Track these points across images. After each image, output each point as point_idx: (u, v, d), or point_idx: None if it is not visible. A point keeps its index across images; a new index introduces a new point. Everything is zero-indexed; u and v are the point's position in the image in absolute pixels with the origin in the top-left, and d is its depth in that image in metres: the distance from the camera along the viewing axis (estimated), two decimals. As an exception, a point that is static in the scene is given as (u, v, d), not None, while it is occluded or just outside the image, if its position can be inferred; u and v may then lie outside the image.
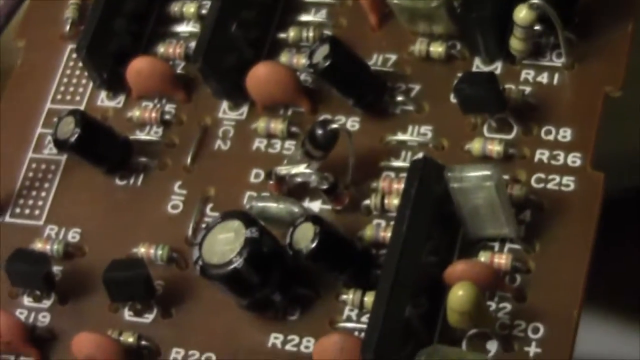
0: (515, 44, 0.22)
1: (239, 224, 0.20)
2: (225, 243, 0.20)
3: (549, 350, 0.20)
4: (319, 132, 0.21)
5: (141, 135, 0.23)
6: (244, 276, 0.20)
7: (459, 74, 0.22)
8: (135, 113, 0.23)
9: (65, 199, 0.23)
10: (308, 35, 0.23)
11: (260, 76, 0.22)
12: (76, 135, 0.22)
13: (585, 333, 0.36)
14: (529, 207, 0.21)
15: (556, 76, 0.22)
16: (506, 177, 0.21)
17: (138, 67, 0.23)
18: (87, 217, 0.23)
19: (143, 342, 0.21)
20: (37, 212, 0.23)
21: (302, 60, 0.23)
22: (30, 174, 0.24)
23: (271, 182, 0.22)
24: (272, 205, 0.21)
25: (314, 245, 0.20)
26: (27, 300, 0.23)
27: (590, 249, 0.20)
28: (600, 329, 0.47)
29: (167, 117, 0.23)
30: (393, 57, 0.23)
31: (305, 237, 0.20)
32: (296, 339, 0.21)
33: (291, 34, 0.23)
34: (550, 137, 0.21)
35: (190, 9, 0.24)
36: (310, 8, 0.24)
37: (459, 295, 0.19)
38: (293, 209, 0.21)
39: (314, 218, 0.20)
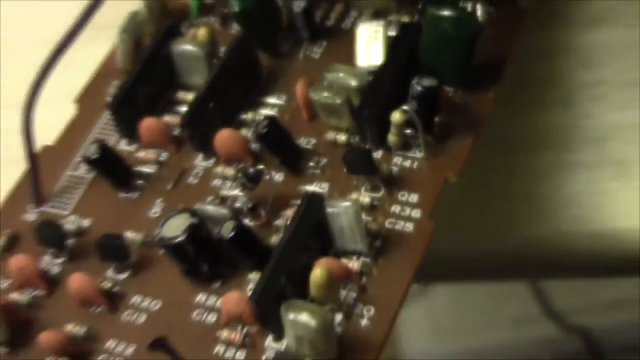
0: (391, 138, 0.26)
1: (187, 215, 0.24)
2: (176, 226, 0.24)
3: (375, 323, 0.24)
4: (250, 170, 0.26)
5: (143, 169, 0.27)
6: (183, 248, 0.24)
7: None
8: (141, 154, 0.27)
9: (86, 201, 0.27)
10: (260, 118, 0.27)
11: (222, 139, 0.26)
12: (96, 156, 0.26)
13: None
14: (379, 238, 0.25)
15: (416, 163, 0.26)
16: (369, 218, 0.25)
17: (148, 125, 0.27)
18: (98, 213, 0.27)
19: (115, 288, 0.26)
20: (68, 203, 0.27)
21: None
22: (65, 183, 0.28)
23: (217, 200, 0.26)
24: (210, 208, 0.25)
25: (231, 235, 0.24)
26: (47, 257, 0.27)
27: (414, 267, 0.24)
28: None
29: (161, 159, 0.27)
30: (313, 140, 0.27)
31: (227, 229, 0.24)
32: (214, 298, 0.25)
33: (249, 116, 0.28)
34: (404, 199, 0.25)
35: (188, 96, 0.28)
36: (269, 106, 0.28)
37: (317, 272, 0.23)
38: (222, 211, 0.25)
39: (236, 219, 0.25)
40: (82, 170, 0.29)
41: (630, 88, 0.31)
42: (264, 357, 0.24)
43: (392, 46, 0.28)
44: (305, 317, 0.22)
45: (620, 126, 0.31)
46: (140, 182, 0.28)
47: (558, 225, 0.30)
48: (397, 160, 0.27)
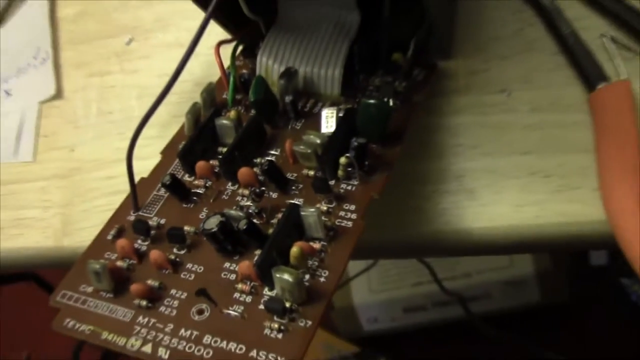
0: (340, 173, 0.24)
1: (219, 216, 0.23)
2: (212, 222, 0.22)
3: (328, 280, 0.21)
4: (257, 191, 0.24)
5: (196, 190, 0.25)
6: (216, 235, 0.22)
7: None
8: (196, 182, 0.25)
9: (163, 209, 0.25)
10: (264, 161, 0.24)
11: (242, 173, 0.24)
12: (169, 182, 0.24)
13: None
14: (332, 230, 0.23)
15: (354, 187, 0.24)
16: (326, 219, 0.23)
17: (200, 166, 0.25)
18: (169, 216, 0.25)
19: (177, 259, 0.23)
20: (153, 210, 0.25)
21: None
22: (152, 199, 0.25)
23: (238, 208, 0.24)
24: (233, 212, 0.23)
25: (244, 227, 0.22)
26: (139, 241, 0.24)
27: (352, 248, 0.22)
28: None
29: (207, 185, 0.25)
30: (295, 174, 0.24)
31: (242, 224, 0.22)
32: (234, 265, 0.22)
33: (259, 160, 0.25)
34: (347, 208, 0.23)
35: (224, 150, 0.26)
36: (270, 155, 0.26)
37: (294, 249, 0.21)
38: (240, 214, 0.23)
39: (248, 217, 0.23)
40: (162, 191, 0.26)
41: (475, 149, 0.29)
42: (262, 300, 0.22)
43: (341, 121, 0.26)
44: (286, 276, 0.20)
45: (470, 170, 0.28)
46: (194, 198, 0.26)
47: (436, 226, 0.27)
48: (343, 185, 0.24)
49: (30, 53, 0.36)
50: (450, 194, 0.28)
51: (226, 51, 0.29)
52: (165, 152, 0.27)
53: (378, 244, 0.28)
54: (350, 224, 0.23)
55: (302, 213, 0.22)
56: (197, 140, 0.26)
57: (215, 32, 0.29)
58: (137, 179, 0.26)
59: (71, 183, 0.33)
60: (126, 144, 0.27)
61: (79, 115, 0.35)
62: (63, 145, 0.34)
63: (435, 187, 0.28)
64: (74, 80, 0.35)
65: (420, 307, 0.78)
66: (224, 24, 0.29)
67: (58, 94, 0.35)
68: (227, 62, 0.29)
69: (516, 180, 0.28)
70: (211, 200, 0.25)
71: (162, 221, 0.25)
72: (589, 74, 0.28)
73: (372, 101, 0.24)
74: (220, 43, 0.28)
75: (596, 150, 0.27)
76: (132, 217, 0.25)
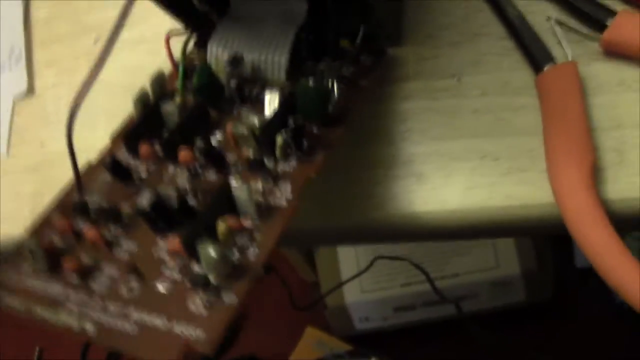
0: (278, 153, 0.23)
1: (152, 195, 0.21)
2: (146, 201, 0.21)
3: (257, 256, 0.20)
4: (192, 171, 0.23)
5: (138, 173, 0.24)
6: (149, 213, 0.21)
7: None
8: (139, 165, 0.24)
9: (104, 192, 0.24)
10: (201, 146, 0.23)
11: (183, 155, 0.23)
12: (110, 165, 0.23)
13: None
14: (266, 208, 0.21)
15: (291, 167, 0.23)
16: (262, 199, 0.22)
17: (144, 149, 0.24)
18: (109, 198, 0.23)
19: (113, 238, 0.22)
20: (95, 192, 0.24)
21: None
22: (97, 181, 0.24)
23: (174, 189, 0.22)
24: (167, 191, 0.22)
25: (177, 206, 0.21)
26: (78, 221, 0.23)
27: (283, 225, 0.21)
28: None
29: (150, 168, 0.24)
30: (236, 156, 0.23)
31: (174, 202, 0.21)
32: (165, 243, 0.21)
33: (199, 143, 0.23)
34: (282, 188, 0.22)
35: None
36: (213, 138, 0.24)
37: (219, 224, 0.20)
38: (173, 193, 0.21)
39: (181, 196, 0.21)
40: (106, 175, 0.25)
41: (425, 133, 0.27)
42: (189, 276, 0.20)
43: (281, 103, 0.24)
44: (210, 249, 0.19)
45: (420, 154, 0.27)
46: (137, 181, 0.24)
47: (386, 211, 0.26)
48: (281, 166, 0.23)
49: (5, 52, 0.35)
50: (399, 178, 0.26)
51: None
52: (113, 138, 0.26)
53: (328, 230, 0.26)
54: (284, 202, 0.22)
55: (233, 189, 0.21)
56: (141, 125, 0.25)
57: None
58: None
59: (42, 176, 0.32)
60: (94, 137, 0.26)
61: (49, 112, 0.34)
62: (34, 140, 0.34)
63: (385, 172, 0.27)
64: (45, 78, 0.35)
65: (410, 306, 0.76)
66: (177, 15, 0.28)
67: (30, 92, 0.35)
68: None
69: (466, 163, 0.26)
70: (153, 182, 0.24)
71: (103, 202, 0.24)
72: (536, 56, 0.27)
73: (309, 82, 0.23)
74: (171, 35, 0.27)
75: (543, 131, 0.26)
76: (75, 199, 0.24)
